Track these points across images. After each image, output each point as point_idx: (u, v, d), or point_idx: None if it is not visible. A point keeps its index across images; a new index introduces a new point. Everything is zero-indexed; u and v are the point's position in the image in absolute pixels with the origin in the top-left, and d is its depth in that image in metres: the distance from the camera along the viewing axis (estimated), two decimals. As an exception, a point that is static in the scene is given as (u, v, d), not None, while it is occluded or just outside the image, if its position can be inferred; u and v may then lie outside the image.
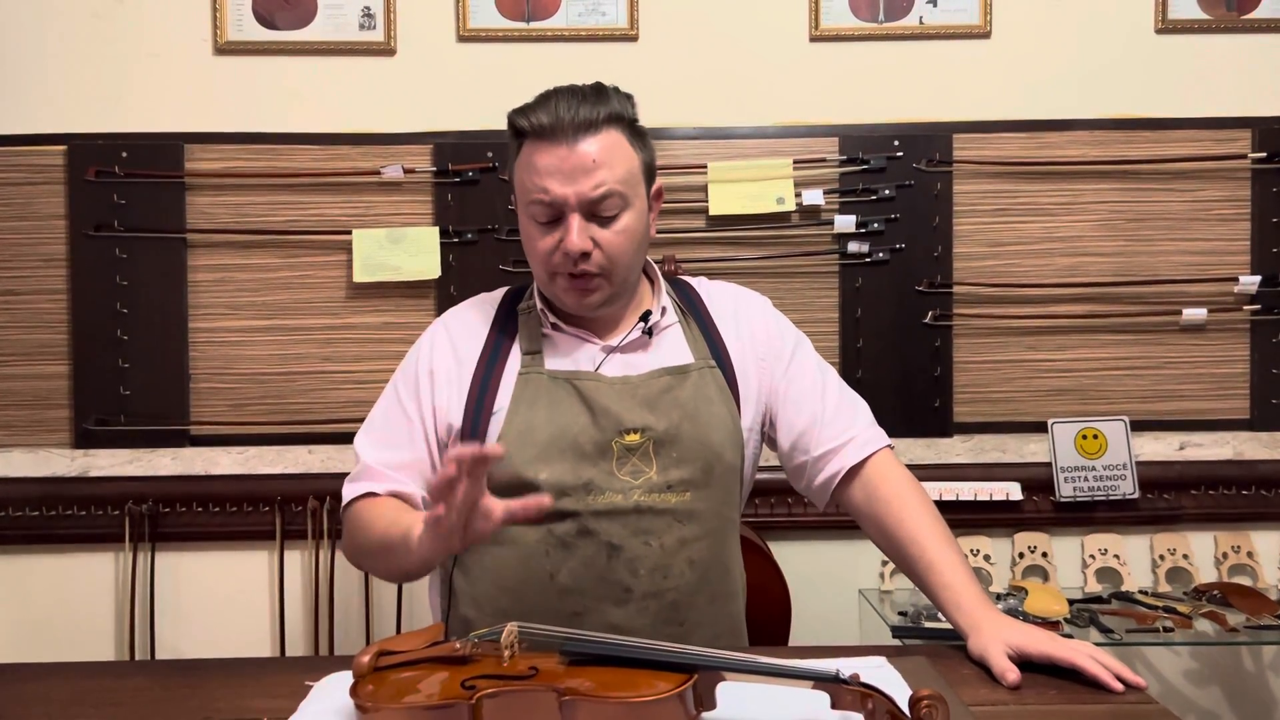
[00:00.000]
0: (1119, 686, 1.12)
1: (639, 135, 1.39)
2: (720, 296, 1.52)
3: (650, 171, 1.41)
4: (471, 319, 1.47)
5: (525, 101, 1.37)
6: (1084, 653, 1.17)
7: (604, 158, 1.32)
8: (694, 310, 1.48)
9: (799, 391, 1.46)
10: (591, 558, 1.32)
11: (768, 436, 1.50)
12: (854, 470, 1.43)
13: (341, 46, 2.36)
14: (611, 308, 1.41)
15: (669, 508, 1.34)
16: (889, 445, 1.47)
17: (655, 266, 1.51)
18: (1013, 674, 1.15)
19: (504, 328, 1.44)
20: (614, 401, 1.35)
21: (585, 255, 1.32)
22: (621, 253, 1.35)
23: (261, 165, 2.35)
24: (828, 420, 1.45)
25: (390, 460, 1.41)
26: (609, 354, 1.40)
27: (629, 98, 1.38)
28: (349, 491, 1.41)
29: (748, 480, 1.48)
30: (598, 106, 1.32)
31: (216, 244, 2.36)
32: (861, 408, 1.49)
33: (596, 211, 1.32)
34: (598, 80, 1.38)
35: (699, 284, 1.54)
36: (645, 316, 1.42)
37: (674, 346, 1.43)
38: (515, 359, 1.40)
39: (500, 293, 1.52)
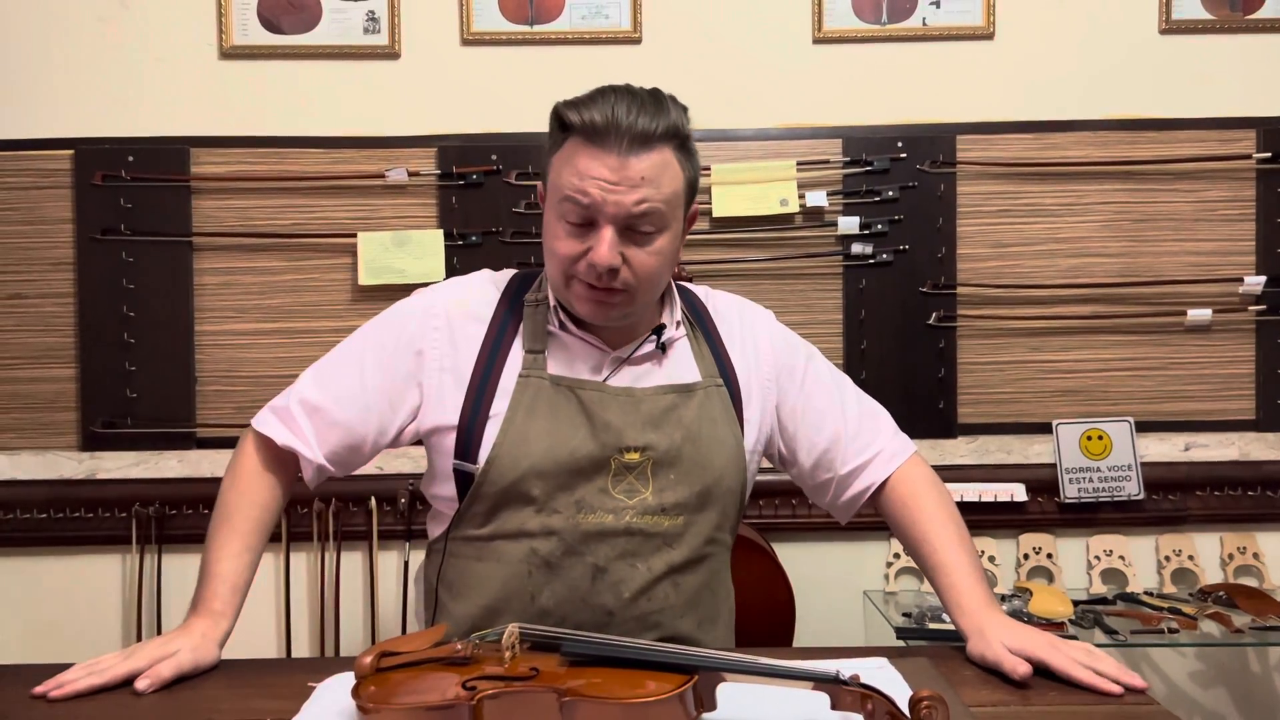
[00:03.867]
0: (1117, 690, 1.12)
1: (689, 152, 1.30)
2: (726, 310, 1.47)
3: (692, 190, 1.32)
4: (474, 304, 1.38)
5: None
6: (1081, 661, 1.15)
7: (652, 176, 1.23)
8: (700, 322, 1.43)
9: (818, 409, 1.43)
10: (576, 581, 1.28)
11: (781, 456, 1.46)
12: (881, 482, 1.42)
13: (346, 50, 2.37)
14: (624, 322, 1.34)
15: (660, 531, 1.30)
16: (914, 451, 1.45)
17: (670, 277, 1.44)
18: (1023, 666, 1.15)
19: (507, 319, 1.37)
20: (617, 416, 1.30)
21: (613, 272, 1.24)
22: (651, 275, 1.27)
23: (267, 169, 2.36)
24: (850, 436, 1.42)
25: (318, 407, 1.35)
26: (618, 365, 1.34)
27: (685, 109, 1.29)
28: (260, 420, 1.37)
29: (744, 501, 1.44)
30: (656, 119, 1.23)
31: (222, 247, 2.37)
32: (883, 417, 1.47)
33: (633, 227, 1.24)
34: (655, 87, 1.29)
35: (704, 293, 1.49)
36: (659, 330, 1.36)
37: (682, 362, 1.38)
38: (517, 356, 1.34)
39: (506, 276, 1.43)
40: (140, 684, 1.14)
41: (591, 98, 1.25)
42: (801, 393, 1.43)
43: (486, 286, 1.42)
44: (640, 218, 1.24)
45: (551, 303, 1.36)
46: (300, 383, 1.39)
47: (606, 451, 1.29)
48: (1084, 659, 1.16)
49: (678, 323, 1.40)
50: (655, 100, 1.26)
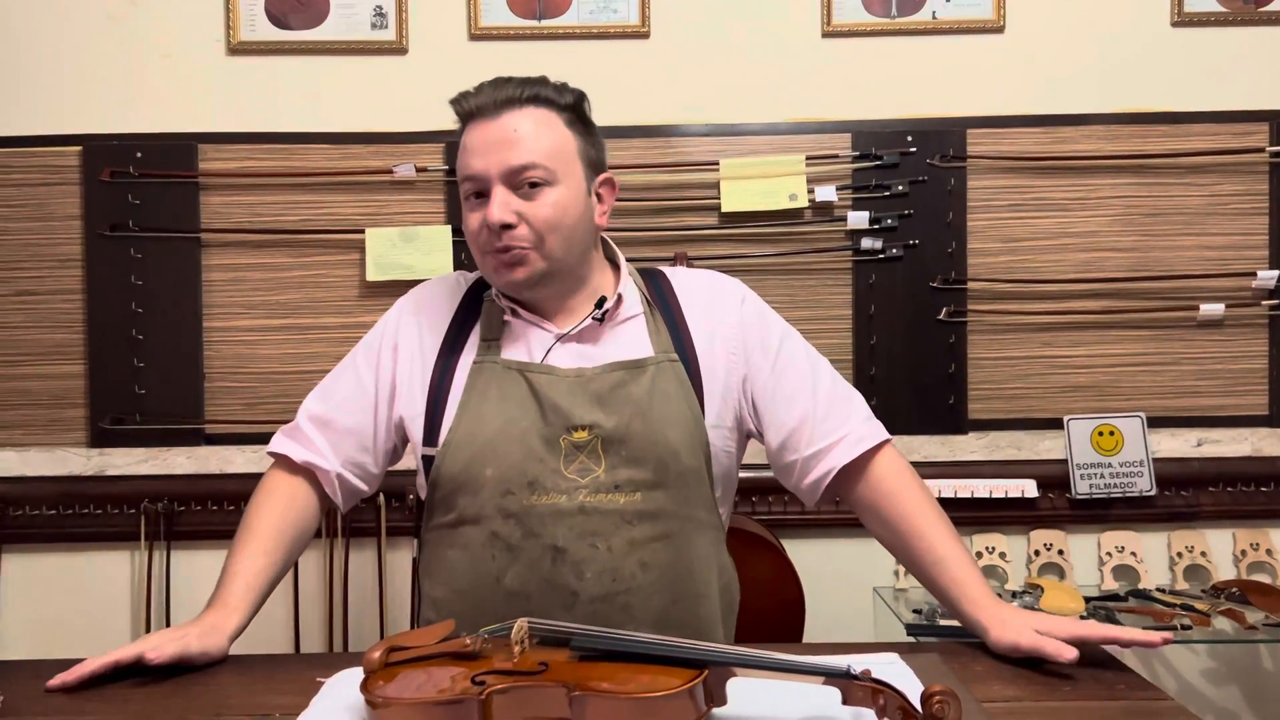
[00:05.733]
0: (1157, 639, 1.15)
1: (581, 124, 1.38)
2: (693, 285, 1.46)
3: (592, 162, 1.39)
4: (438, 299, 1.46)
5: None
6: (1073, 636, 1.18)
7: (526, 130, 1.32)
8: (662, 300, 1.44)
9: (789, 388, 1.41)
10: (536, 560, 1.30)
11: (757, 433, 1.44)
12: (849, 468, 1.39)
13: (354, 46, 2.37)
14: (548, 289, 1.38)
15: (616, 508, 1.30)
16: (887, 440, 1.42)
17: (619, 254, 1.47)
18: (1069, 651, 1.15)
19: (468, 312, 1.43)
20: (563, 396, 1.32)
21: (508, 227, 1.31)
22: (550, 227, 1.32)
23: (275, 165, 2.36)
24: (819, 418, 1.40)
25: (326, 419, 1.42)
26: (560, 341, 1.37)
27: (575, 92, 1.38)
28: (274, 443, 1.44)
29: (725, 477, 1.42)
30: (524, 87, 1.34)
31: (230, 243, 2.37)
32: (856, 402, 1.44)
33: (519, 183, 1.31)
34: (545, 74, 1.39)
35: (673, 273, 1.49)
36: (600, 304, 1.38)
37: (633, 339, 1.39)
38: (473, 346, 1.39)
39: (476, 275, 1.49)
40: (147, 655, 1.15)
41: (474, 88, 1.36)
42: (773, 372, 1.42)
43: (455, 283, 1.49)
44: (521, 172, 1.31)
45: (494, 292, 1.42)
46: (305, 402, 1.46)
47: (555, 432, 1.31)
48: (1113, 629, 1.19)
49: (620, 297, 1.41)
50: (532, 78, 1.36)
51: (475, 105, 1.34)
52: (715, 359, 1.40)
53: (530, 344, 1.38)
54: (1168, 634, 1.12)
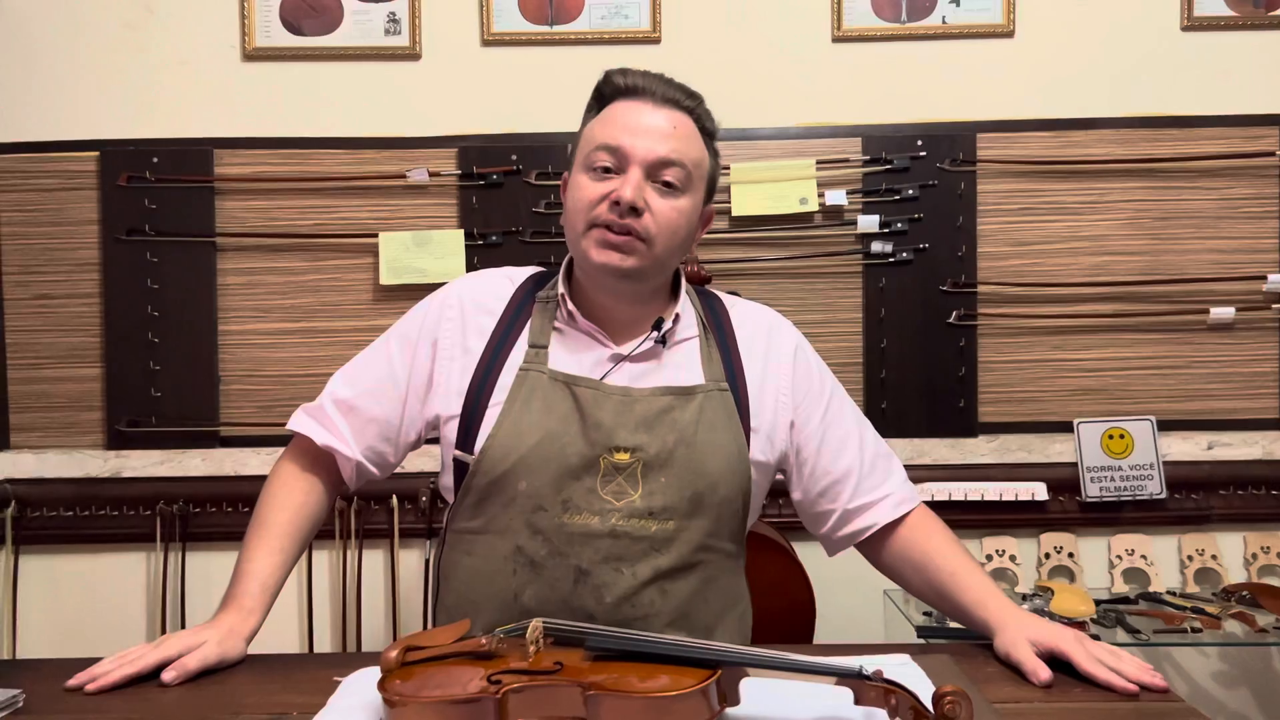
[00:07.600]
0: (1133, 689, 1.11)
1: (714, 149, 1.39)
2: (752, 319, 1.44)
3: (713, 184, 1.39)
4: (488, 297, 1.41)
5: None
6: (1104, 661, 1.15)
7: (680, 132, 1.31)
8: (718, 327, 1.41)
9: (837, 439, 1.40)
10: (558, 581, 1.27)
11: (787, 475, 1.43)
12: (884, 527, 1.40)
13: (367, 52, 2.39)
14: (630, 288, 1.34)
15: (647, 535, 1.27)
16: (921, 503, 1.43)
17: (682, 274, 1.44)
18: (1044, 672, 1.14)
19: (518, 313, 1.38)
20: (609, 416, 1.29)
21: (635, 212, 1.28)
22: (669, 229, 1.30)
23: (289, 170, 2.38)
24: (865, 473, 1.40)
25: (352, 404, 1.39)
26: (618, 363, 1.33)
27: (716, 123, 1.39)
28: (295, 420, 1.42)
29: (755, 510, 1.41)
30: (689, 97, 1.34)
31: (245, 248, 2.39)
32: (897, 462, 1.45)
33: (658, 177, 1.30)
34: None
35: (730, 302, 1.47)
36: (659, 324, 1.35)
37: (686, 363, 1.37)
38: (520, 350, 1.35)
39: (526, 272, 1.45)
40: (166, 675, 1.16)
41: (639, 70, 1.36)
42: (824, 420, 1.41)
43: (503, 281, 1.44)
44: (665, 166, 1.30)
45: (560, 290, 1.37)
46: (332, 383, 1.43)
47: (596, 450, 1.28)
48: (1107, 658, 1.16)
49: (677, 316, 1.38)
50: (692, 91, 1.36)
51: (641, 85, 1.33)
52: (765, 396, 1.38)
53: (581, 355, 1.35)
54: (1157, 683, 1.12)
